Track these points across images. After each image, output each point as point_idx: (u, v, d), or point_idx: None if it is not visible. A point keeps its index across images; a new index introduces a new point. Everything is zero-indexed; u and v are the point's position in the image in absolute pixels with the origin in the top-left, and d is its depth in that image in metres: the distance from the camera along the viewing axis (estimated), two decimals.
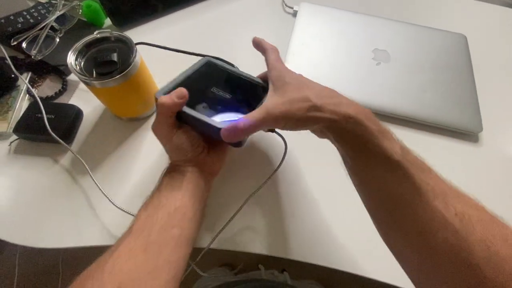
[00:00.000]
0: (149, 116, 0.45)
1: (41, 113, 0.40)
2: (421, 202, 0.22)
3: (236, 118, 0.28)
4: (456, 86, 0.48)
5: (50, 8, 0.51)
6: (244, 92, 0.36)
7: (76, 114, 0.42)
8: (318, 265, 0.35)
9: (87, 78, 0.35)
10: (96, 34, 0.37)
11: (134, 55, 0.36)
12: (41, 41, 0.47)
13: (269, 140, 0.43)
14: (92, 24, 0.53)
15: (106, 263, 0.24)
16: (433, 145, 0.44)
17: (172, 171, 0.32)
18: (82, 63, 0.36)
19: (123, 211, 0.36)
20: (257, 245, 0.36)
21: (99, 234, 0.36)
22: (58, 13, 0.48)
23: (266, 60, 0.33)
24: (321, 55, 0.50)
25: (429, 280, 0.22)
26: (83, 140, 0.42)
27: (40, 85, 0.46)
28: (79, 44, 0.36)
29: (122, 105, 0.41)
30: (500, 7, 0.63)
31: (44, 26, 0.47)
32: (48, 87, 0.46)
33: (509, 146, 0.45)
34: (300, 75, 0.31)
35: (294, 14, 0.56)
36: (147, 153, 0.42)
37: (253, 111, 0.27)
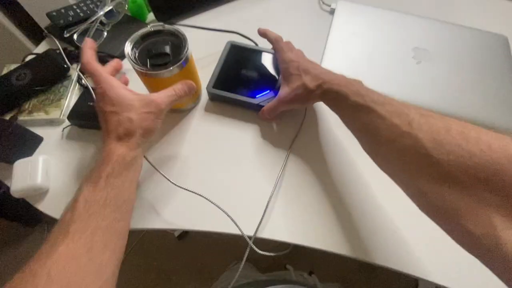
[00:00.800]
0: (192, 108, 0.46)
1: (93, 101, 0.43)
2: (384, 124, 0.29)
3: (265, 93, 0.44)
4: (496, 86, 0.47)
5: (98, 3, 0.53)
6: (267, 63, 0.47)
7: None
8: (348, 257, 0.36)
9: (143, 68, 0.36)
10: (149, 28, 0.39)
11: (186, 48, 0.37)
12: (91, 34, 0.49)
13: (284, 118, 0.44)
14: (136, 19, 0.56)
15: (41, 267, 0.23)
16: None
17: (116, 157, 0.30)
18: (137, 53, 0.38)
19: (187, 190, 0.38)
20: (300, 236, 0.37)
21: (167, 216, 0.38)
22: (107, 8, 0.51)
23: (274, 50, 0.44)
24: (359, 54, 0.50)
25: (397, 173, 0.30)
26: None
27: (89, 76, 0.49)
28: (136, 35, 0.38)
29: None
30: None
31: (94, 20, 0.50)
32: None
33: None
34: (299, 62, 0.39)
35: (332, 12, 0.57)
36: (193, 142, 0.44)
37: (271, 102, 0.42)
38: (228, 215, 0.36)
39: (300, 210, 0.39)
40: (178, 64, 0.37)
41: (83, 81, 0.47)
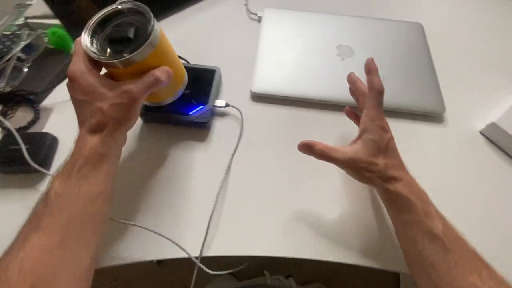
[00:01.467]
0: (171, 101, 0.41)
1: (17, 144, 0.40)
2: (457, 274, 0.26)
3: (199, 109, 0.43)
4: (416, 71, 0.50)
5: (15, 39, 0.51)
6: (198, 79, 0.46)
7: (51, 142, 0.42)
8: (319, 261, 0.37)
9: (105, 58, 0.30)
10: (104, 12, 0.32)
11: (152, 25, 0.30)
12: (8, 72, 0.47)
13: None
14: (59, 51, 0.53)
15: (14, 260, 0.23)
16: (402, 130, 0.46)
17: (89, 150, 0.28)
18: (98, 43, 0.32)
19: (124, 222, 0.36)
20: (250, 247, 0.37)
21: (114, 252, 0.36)
22: (23, 44, 0.48)
23: (366, 101, 0.34)
24: (288, 58, 0.52)
25: None
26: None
27: (12, 117, 0.46)
28: (91, 23, 0.32)
29: None
30: None
31: (10, 57, 0.47)
32: (20, 118, 0.46)
33: (472, 122, 0.48)
34: (390, 139, 0.33)
35: (259, 20, 0.58)
36: (127, 168, 0.42)
37: (329, 147, 0.32)
38: (170, 240, 0.36)
39: (246, 220, 0.39)
40: (144, 46, 0.30)
41: (5, 124, 0.44)
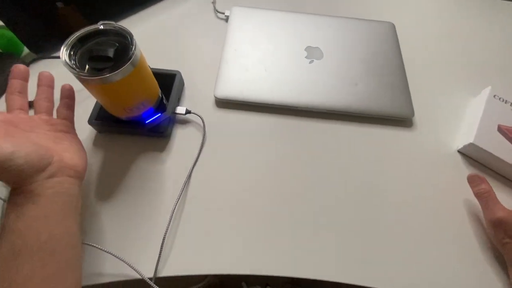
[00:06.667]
0: None
1: None
2: None
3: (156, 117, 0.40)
4: (386, 74, 0.49)
5: None
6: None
7: None
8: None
9: (88, 75, 0.31)
10: (84, 30, 0.33)
11: (134, 47, 0.32)
12: None
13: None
14: (9, 54, 0.49)
15: None
16: (371, 135, 0.45)
17: (31, 195, 0.26)
18: (77, 58, 0.33)
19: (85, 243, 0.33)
20: (207, 265, 0.35)
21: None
22: None
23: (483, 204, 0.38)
24: (254, 59, 0.49)
25: None
26: None
27: None
28: (71, 39, 0.33)
29: (126, 100, 0.37)
30: None
31: None
32: None
33: (441, 128, 0.47)
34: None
35: (227, 19, 0.55)
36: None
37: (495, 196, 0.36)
38: (121, 259, 0.33)
39: (205, 237, 0.37)
40: (125, 66, 0.31)
41: None
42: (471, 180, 0.39)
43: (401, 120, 0.46)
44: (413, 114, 0.46)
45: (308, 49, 0.50)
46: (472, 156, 0.43)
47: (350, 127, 0.46)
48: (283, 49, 0.50)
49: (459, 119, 0.47)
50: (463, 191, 0.40)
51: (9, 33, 0.48)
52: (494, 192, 0.36)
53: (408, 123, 0.46)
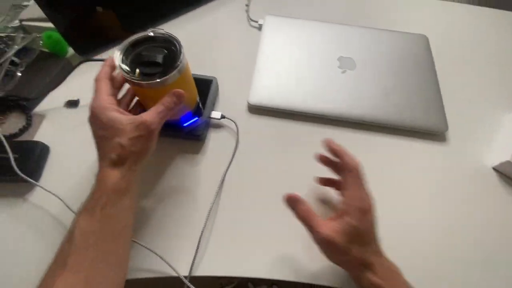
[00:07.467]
0: None
1: (6, 152, 0.39)
2: None
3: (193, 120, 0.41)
4: (419, 87, 0.49)
5: (9, 42, 0.50)
6: None
7: (41, 151, 0.41)
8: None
9: (136, 78, 0.32)
10: (145, 33, 0.36)
11: (182, 55, 0.34)
12: (0, 77, 0.46)
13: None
14: (54, 55, 0.52)
15: None
16: (402, 148, 0.45)
17: (111, 186, 0.29)
18: (128, 63, 0.34)
19: None
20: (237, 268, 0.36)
21: None
22: (16, 48, 0.47)
23: (347, 180, 0.32)
24: (287, 67, 0.50)
25: None
26: (53, 176, 0.41)
27: (3, 123, 0.45)
28: (125, 45, 0.35)
29: None
30: (459, 4, 0.65)
31: (3, 61, 0.46)
32: (11, 124, 0.45)
33: (475, 143, 0.46)
34: (368, 222, 0.30)
35: (260, 28, 0.57)
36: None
37: (313, 214, 0.31)
38: (159, 256, 0.35)
39: (238, 239, 0.38)
40: (173, 73, 0.33)
41: None
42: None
43: (433, 134, 0.46)
44: (446, 128, 0.45)
45: (341, 59, 0.51)
46: (508, 174, 0.43)
47: (381, 138, 0.46)
48: (316, 58, 0.51)
49: (495, 135, 0.47)
50: (498, 210, 0.40)
51: (56, 35, 0.51)
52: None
53: (441, 137, 0.46)
